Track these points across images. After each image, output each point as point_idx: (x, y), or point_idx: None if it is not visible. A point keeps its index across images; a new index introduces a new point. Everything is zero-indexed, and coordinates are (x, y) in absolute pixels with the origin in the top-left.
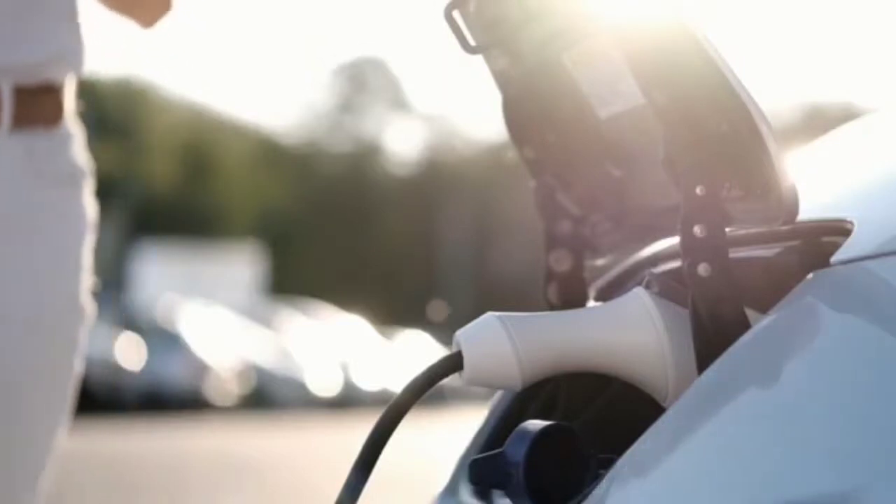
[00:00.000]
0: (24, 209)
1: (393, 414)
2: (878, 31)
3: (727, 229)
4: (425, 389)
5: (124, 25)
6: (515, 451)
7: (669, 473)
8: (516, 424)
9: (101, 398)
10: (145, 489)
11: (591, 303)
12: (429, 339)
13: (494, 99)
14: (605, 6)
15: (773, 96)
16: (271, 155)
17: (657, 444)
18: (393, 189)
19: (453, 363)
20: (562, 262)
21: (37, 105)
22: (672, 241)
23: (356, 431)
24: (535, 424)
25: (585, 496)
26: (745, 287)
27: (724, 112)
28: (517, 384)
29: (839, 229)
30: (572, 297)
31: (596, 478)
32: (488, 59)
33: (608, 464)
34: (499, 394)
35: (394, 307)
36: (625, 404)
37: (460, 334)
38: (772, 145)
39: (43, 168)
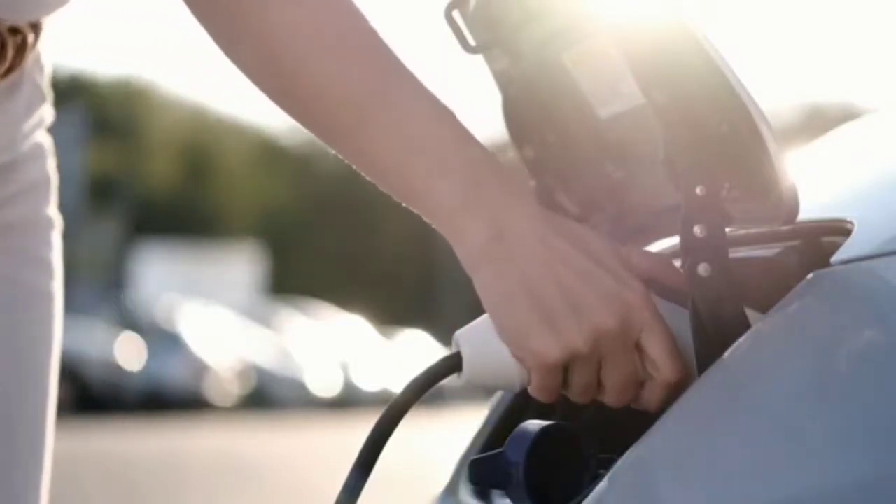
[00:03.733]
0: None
1: (392, 414)
2: (878, 31)
3: (727, 229)
4: (425, 390)
5: (124, 25)
6: (515, 451)
7: (669, 474)
8: (516, 424)
9: (101, 398)
10: (145, 489)
11: None
12: (429, 339)
13: (494, 99)
14: (605, 6)
15: (773, 96)
16: (271, 155)
17: (657, 445)
18: None
19: (452, 364)
20: None
21: None
22: (672, 241)
23: (356, 431)
24: (535, 424)
25: (585, 496)
26: (745, 287)
27: (724, 112)
28: (516, 385)
29: (839, 229)
30: None
31: (596, 478)
32: (488, 59)
33: (608, 464)
34: (499, 394)
35: (394, 307)
36: (623, 407)
37: (459, 335)
38: (772, 145)
39: None
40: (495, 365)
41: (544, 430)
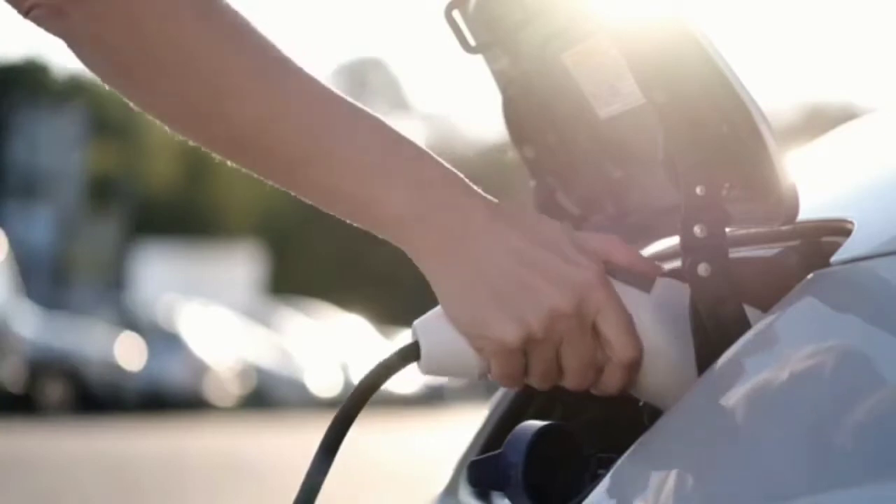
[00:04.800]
0: None
1: (353, 403)
2: (878, 31)
3: (727, 229)
4: (384, 380)
5: None
6: (514, 451)
7: (670, 474)
8: (516, 424)
9: (101, 398)
10: (145, 489)
11: None
12: None
13: (494, 99)
14: (605, 6)
15: (773, 96)
16: None
17: (657, 444)
18: None
19: (410, 353)
20: None
21: None
22: (672, 241)
23: (356, 431)
24: (533, 425)
25: (585, 496)
26: (745, 287)
27: (724, 112)
28: (475, 373)
29: (839, 229)
30: None
31: (595, 478)
32: (488, 59)
33: (608, 463)
34: (499, 394)
35: (394, 307)
36: (625, 404)
37: (417, 324)
38: (772, 145)
39: None
40: (453, 353)
41: (542, 430)
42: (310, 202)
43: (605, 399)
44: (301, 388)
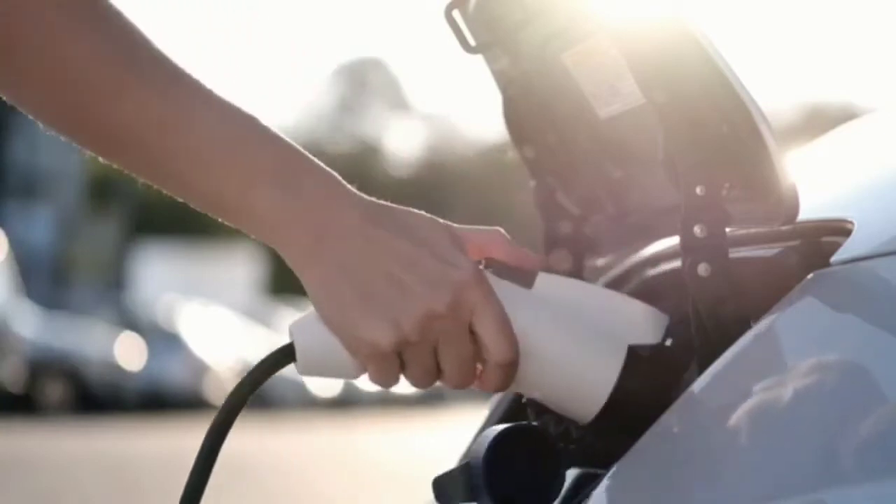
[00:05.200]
0: None
1: (228, 409)
2: (878, 31)
3: (727, 229)
4: (260, 382)
5: None
6: (476, 460)
7: (670, 474)
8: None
9: (101, 398)
10: (145, 489)
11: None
12: None
13: (494, 99)
14: (605, 6)
15: (773, 96)
16: None
17: (657, 444)
18: (393, 189)
19: (285, 354)
20: (562, 263)
21: None
22: (672, 241)
23: (356, 431)
24: (495, 429)
25: (586, 496)
26: (745, 287)
27: (724, 112)
28: (351, 374)
29: (839, 229)
30: None
31: (558, 476)
32: (488, 59)
33: (581, 458)
34: (498, 395)
35: None
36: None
37: (292, 325)
38: (772, 145)
39: None
40: (328, 354)
41: (503, 434)
42: (192, 206)
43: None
44: (301, 388)
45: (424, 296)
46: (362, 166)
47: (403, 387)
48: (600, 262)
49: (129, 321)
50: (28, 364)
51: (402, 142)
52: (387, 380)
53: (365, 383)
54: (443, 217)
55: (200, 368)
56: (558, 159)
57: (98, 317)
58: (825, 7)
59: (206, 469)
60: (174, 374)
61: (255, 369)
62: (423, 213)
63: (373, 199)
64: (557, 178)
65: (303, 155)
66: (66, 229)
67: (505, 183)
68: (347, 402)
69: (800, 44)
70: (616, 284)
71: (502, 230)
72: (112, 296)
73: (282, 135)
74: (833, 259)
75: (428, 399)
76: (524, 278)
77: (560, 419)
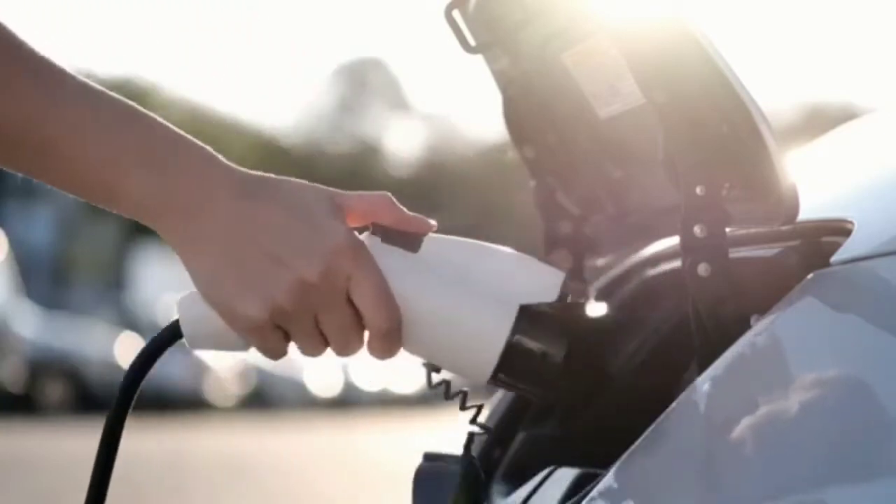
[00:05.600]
0: None
1: (122, 395)
2: (878, 31)
3: (727, 229)
4: (151, 362)
5: (125, 26)
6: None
7: (669, 473)
8: (516, 425)
9: (101, 398)
10: (145, 489)
11: (592, 303)
12: None
13: (494, 99)
14: (605, 6)
15: (773, 96)
16: (272, 155)
17: (657, 444)
18: (393, 189)
19: (173, 331)
20: (562, 263)
21: None
22: (672, 241)
23: (356, 431)
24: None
25: (587, 494)
26: (745, 287)
27: (724, 112)
28: (238, 347)
29: (839, 229)
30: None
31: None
32: (488, 59)
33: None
34: (498, 394)
35: None
36: (623, 405)
37: (178, 301)
38: (772, 145)
39: None
40: (213, 329)
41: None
42: (70, 194)
43: (604, 402)
44: (301, 388)
45: (296, 266)
46: (362, 166)
47: (403, 387)
48: (600, 262)
49: (129, 321)
50: (28, 364)
51: (402, 142)
52: (273, 351)
53: (365, 383)
54: (443, 217)
55: (200, 368)
56: (558, 159)
57: (98, 317)
58: (825, 7)
59: (109, 458)
60: (174, 374)
61: (145, 350)
62: (302, 181)
63: (248, 171)
64: (557, 178)
65: (172, 134)
66: (66, 229)
67: (505, 183)
68: (347, 402)
69: (800, 44)
70: (616, 284)
71: (389, 194)
72: (112, 296)
73: (155, 117)
74: (833, 259)
75: (428, 399)
76: (410, 243)
77: (561, 423)
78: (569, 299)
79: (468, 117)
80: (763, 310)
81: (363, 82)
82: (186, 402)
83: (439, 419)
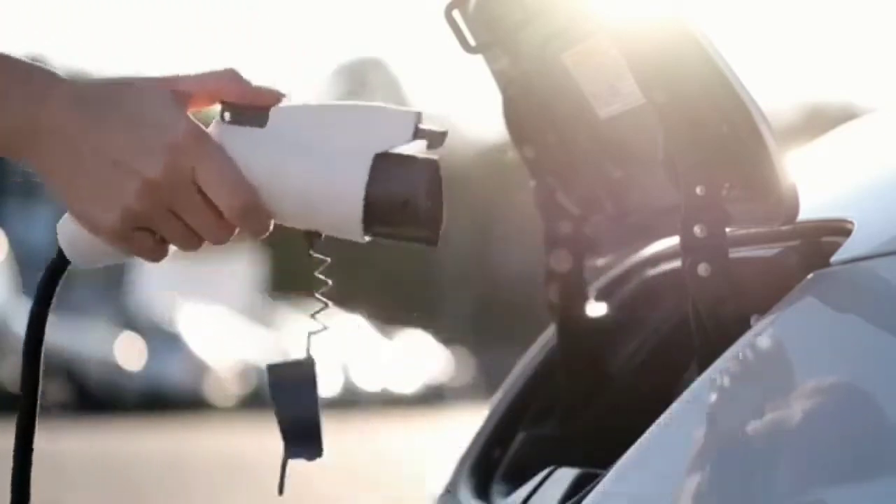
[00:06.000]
0: None
1: (33, 322)
2: (878, 31)
3: (727, 229)
4: (52, 287)
5: (126, 26)
6: None
7: (669, 473)
8: (516, 425)
9: (101, 398)
10: (145, 489)
11: (592, 303)
12: (429, 338)
13: (494, 99)
14: (605, 6)
15: (773, 96)
16: None
17: (657, 444)
18: None
19: (59, 256)
20: (562, 263)
21: None
22: (672, 241)
23: (356, 431)
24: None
25: (587, 494)
26: (745, 287)
27: (724, 112)
28: (117, 256)
29: (839, 229)
30: (572, 297)
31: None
32: (488, 59)
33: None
34: (498, 394)
35: (394, 307)
36: (623, 405)
37: (58, 225)
38: (772, 145)
39: None
40: (88, 244)
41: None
42: None
43: (604, 402)
44: None
45: (139, 168)
46: None
47: (403, 387)
48: (600, 262)
49: (129, 321)
50: None
51: None
52: (149, 253)
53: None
54: (442, 217)
55: (200, 368)
56: (558, 159)
57: (98, 317)
58: (825, 7)
59: (31, 423)
60: (174, 374)
61: (42, 281)
62: (147, 77)
63: (89, 81)
64: (557, 178)
65: (7, 59)
66: None
67: (505, 183)
68: (347, 402)
69: (800, 44)
70: (616, 284)
71: (235, 69)
72: (112, 296)
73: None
74: (833, 259)
75: (428, 399)
76: (257, 118)
77: (561, 423)
78: (424, 136)
79: (468, 117)
80: (763, 310)
81: (363, 82)
82: (186, 402)
83: (439, 419)
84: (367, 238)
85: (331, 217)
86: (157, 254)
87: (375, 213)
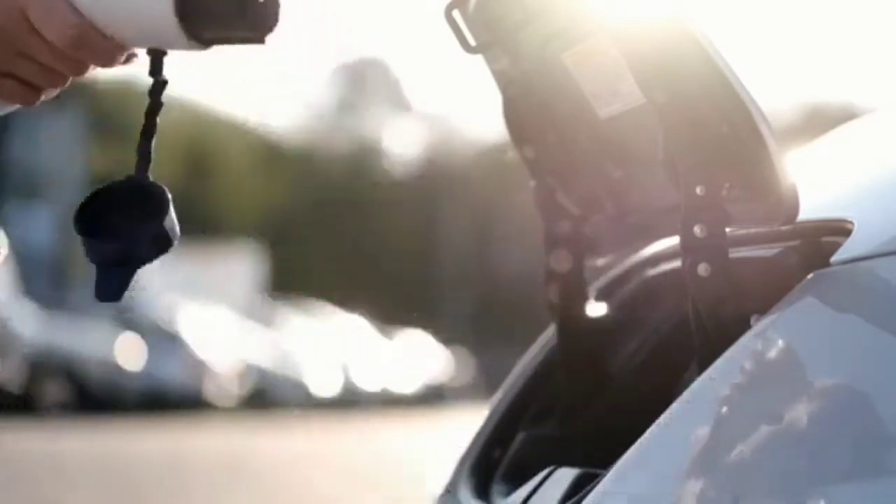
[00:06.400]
0: None
1: None
2: (878, 31)
3: (727, 229)
4: None
5: None
6: None
7: (669, 472)
8: (516, 425)
9: (101, 398)
10: (145, 489)
11: (592, 303)
12: (429, 338)
13: (494, 99)
14: (605, 6)
15: (773, 96)
16: (272, 155)
17: (656, 444)
18: (393, 189)
19: None
20: (562, 262)
21: None
22: (672, 241)
23: (356, 431)
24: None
25: (587, 494)
26: (745, 287)
27: (724, 112)
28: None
29: (839, 229)
30: (572, 297)
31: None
32: (488, 59)
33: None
34: (498, 394)
35: (394, 307)
36: (623, 405)
37: None
38: (772, 145)
39: None
40: None
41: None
42: None
43: (603, 402)
44: (301, 388)
45: None
46: (362, 166)
47: (403, 387)
48: (600, 262)
49: (129, 321)
50: (28, 364)
51: (402, 142)
52: (21, 99)
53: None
54: (442, 216)
55: (200, 368)
56: (558, 159)
57: (98, 317)
58: (825, 7)
59: None
60: (174, 374)
61: None
62: None
63: None
64: (557, 178)
65: None
66: (66, 229)
67: (505, 183)
68: (347, 402)
69: (800, 44)
70: (616, 284)
71: None
72: None
73: None
74: (833, 259)
75: (428, 399)
76: None
77: (561, 423)
78: None
79: (468, 117)
80: (763, 310)
81: (363, 82)
82: (186, 402)
83: (439, 419)
84: (194, 44)
85: (153, 30)
86: (29, 98)
87: (193, 14)
